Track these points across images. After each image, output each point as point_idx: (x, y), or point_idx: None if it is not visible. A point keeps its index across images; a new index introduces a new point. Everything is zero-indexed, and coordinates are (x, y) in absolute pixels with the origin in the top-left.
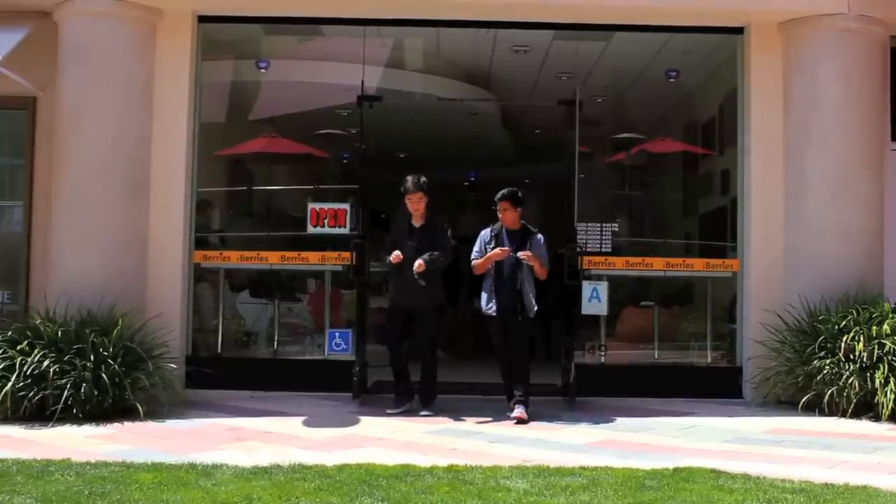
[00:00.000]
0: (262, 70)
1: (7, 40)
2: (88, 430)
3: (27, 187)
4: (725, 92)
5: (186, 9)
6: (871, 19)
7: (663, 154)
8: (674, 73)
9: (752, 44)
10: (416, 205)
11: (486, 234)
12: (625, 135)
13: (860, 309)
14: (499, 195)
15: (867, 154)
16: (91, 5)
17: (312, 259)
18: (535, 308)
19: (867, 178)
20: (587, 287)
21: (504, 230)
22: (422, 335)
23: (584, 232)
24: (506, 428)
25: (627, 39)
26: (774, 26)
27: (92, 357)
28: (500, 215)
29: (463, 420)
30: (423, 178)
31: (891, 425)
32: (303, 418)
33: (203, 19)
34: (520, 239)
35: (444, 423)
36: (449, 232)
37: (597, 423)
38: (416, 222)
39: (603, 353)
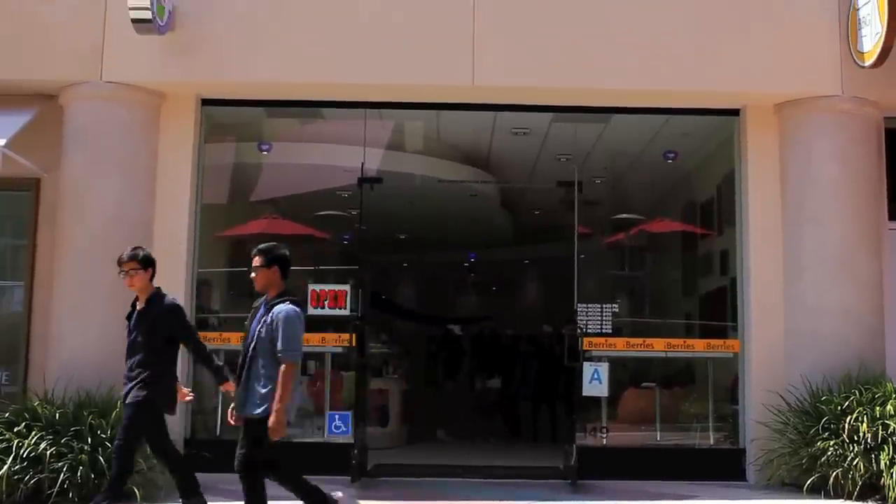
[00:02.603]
0: (264, 152)
1: (13, 123)
2: None
3: (29, 267)
4: (723, 172)
5: (190, 92)
6: (865, 101)
7: (662, 234)
8: (672, 155)
9: (748, 125)
10: (127, 280)
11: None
12: (624, 215)
13: (863, 389)
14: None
15: (865, 233)
16: (96, 89)
17: (313, 340)
18: (265, 408)
19: (866, 257)
20: (588, 368)
21: (263, 300)
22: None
23: (584, 313)
24: None
25: (625, 122)
26: (771, 107)
27: (89, 439)
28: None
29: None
30: (142, 252)
31: None
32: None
33: (206, 102)
34: (268, 312)
35: None
36: (181, 317)
37: None
38: (139, 304)
39: (605, 435)
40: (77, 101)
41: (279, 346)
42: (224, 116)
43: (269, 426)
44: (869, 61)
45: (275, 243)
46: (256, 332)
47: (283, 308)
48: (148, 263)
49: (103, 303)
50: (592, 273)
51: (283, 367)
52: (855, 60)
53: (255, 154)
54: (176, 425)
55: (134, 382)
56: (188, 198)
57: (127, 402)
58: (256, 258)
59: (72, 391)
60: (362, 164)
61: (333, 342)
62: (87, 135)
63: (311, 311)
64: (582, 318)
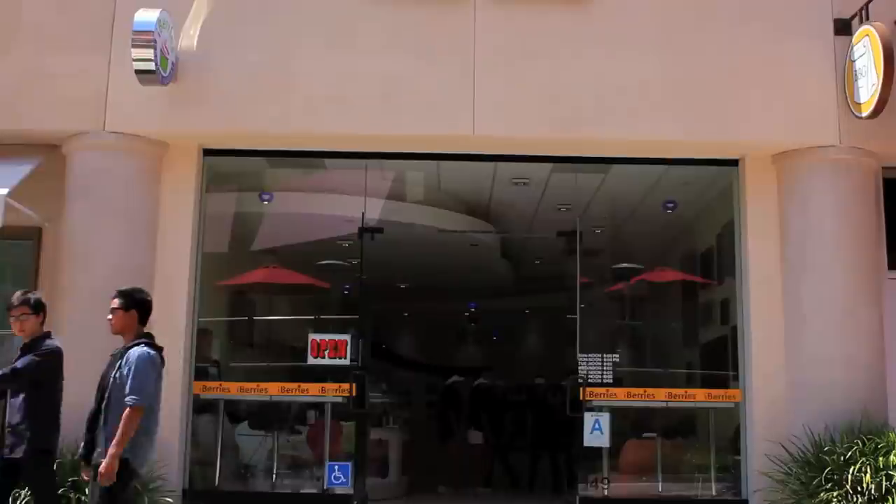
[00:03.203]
0: (266, 202)
1: (15, 173)
2: None
3: None
4: (723, 222)
5: (192, 143)
6: (863, 151)
7: (663, 284)
8: (672, 204)
9: (747, 174)
10: (17, 325)
11: None
12: (624, 265)
13: (865, 439)
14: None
15: (866, 282)
16: (100, 139)
17: (312, 390)
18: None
19: (866, 306)
20: (589, 418)
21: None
22: None
23: (585, 363)
24: None
25: (625, 172)
26: (769, 158)
27: (86, 490)
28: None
29: None
30: (33, 296)
31: None
32: None
33: (208, 152)
34: (123, 357)
35: None
36: (45, 350)
37: None
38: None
39: (606, 486)
40: (80, 150)
41: (126, 389)
42: (225, 166)
43: (100, 471)
44: (866, 112)
45: (137, 287)
46: (112, 379)
47: (137, 351)
48: (39, 308)
49: (103, 352)
50: (593, 323)
51: (126, 410)
52: (852, 111)
53: (256, 204)
54: (175, 477)
55: (20, 437)
56: (189, 247)
57: (22, 461)
58: (115, 300)
59: (70, 442)
60: (363, 213)
61: (333, 392)
62: (90, 184)
63: (312, 360)
64: (583, 367)
